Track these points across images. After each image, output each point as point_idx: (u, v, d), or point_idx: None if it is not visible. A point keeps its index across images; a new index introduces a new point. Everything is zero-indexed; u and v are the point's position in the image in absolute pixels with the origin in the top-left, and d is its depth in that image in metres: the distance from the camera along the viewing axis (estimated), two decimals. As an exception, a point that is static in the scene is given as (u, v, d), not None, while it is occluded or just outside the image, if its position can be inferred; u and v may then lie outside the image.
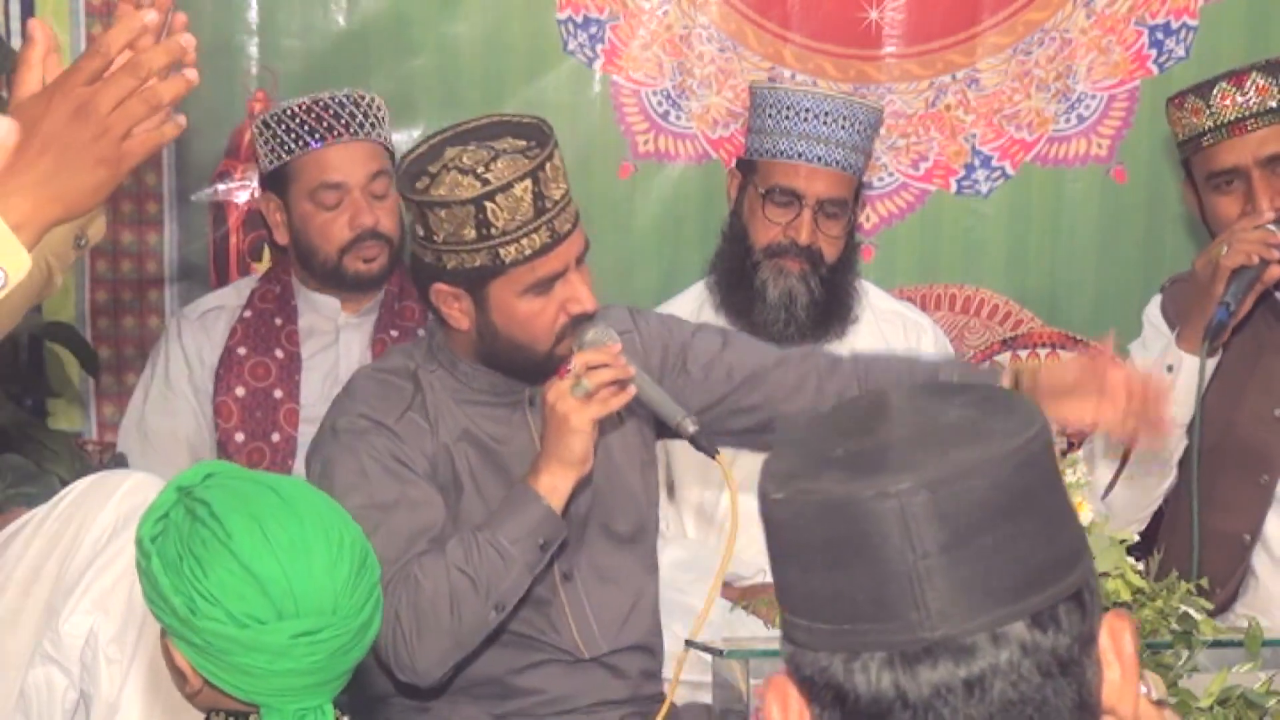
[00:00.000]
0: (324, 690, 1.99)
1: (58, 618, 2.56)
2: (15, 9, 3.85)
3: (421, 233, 2.76)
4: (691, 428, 2.76)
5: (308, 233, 3.53)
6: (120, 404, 3.89)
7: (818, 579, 1.24)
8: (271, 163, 3.53)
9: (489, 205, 2.69)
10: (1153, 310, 3.51)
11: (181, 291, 3.96)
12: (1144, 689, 1.30)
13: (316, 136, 3.49)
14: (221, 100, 3.84)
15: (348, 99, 3.52)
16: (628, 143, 4.00)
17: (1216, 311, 3.21)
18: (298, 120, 3.49)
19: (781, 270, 3.45)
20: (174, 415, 3.56)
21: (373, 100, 3.55)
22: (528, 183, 2.68)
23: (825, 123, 3.46)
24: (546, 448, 2.75)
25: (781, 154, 3.48)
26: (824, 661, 1.24)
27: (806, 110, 3.47)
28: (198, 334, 3.59)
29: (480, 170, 2.71)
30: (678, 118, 4.00)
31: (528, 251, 2.72)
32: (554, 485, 2.74)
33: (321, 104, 3.50)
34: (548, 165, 2.71)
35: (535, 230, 2.71)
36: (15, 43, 3.79)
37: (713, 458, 2.76)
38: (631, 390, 2.76)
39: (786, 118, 3.48)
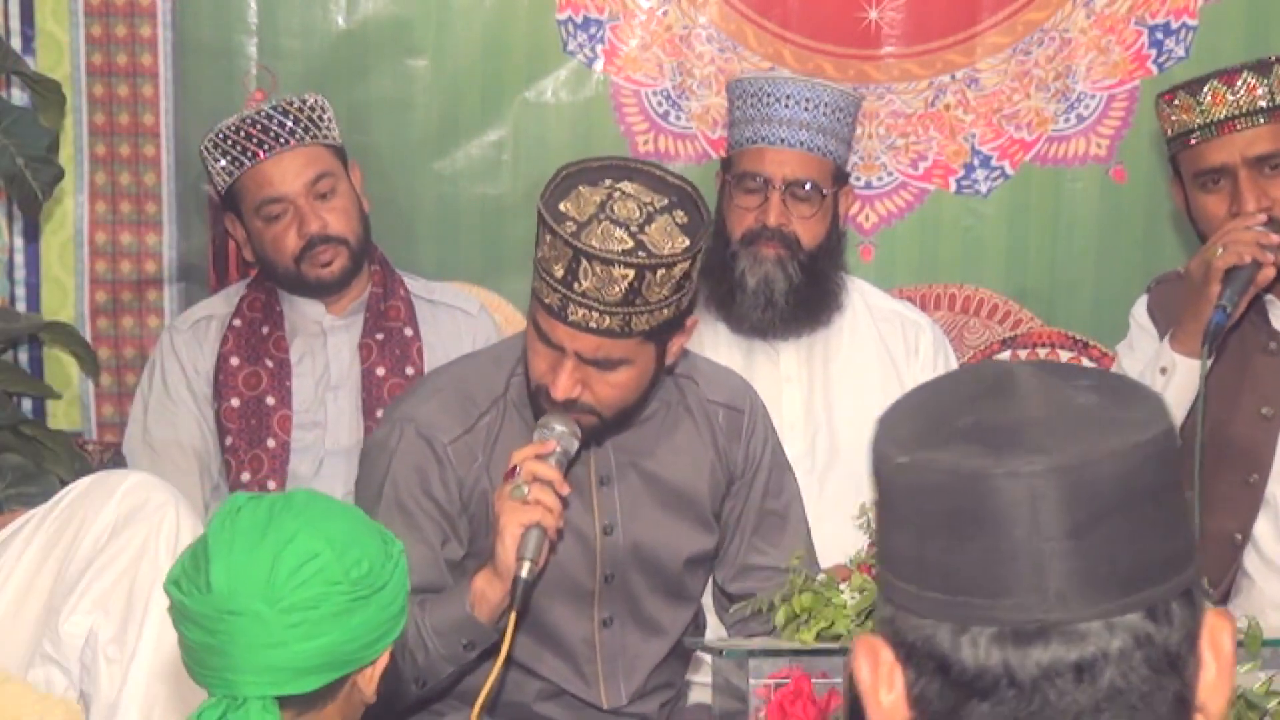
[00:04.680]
0: (235, 679, 1.93)
1: (58, 618, 2.56)
2: (15, 9, 3.84)
3: None
4: (523, 572, 2.62)
5: (263, 247, 3.55)
6: (120, 404, 3.89)
7: (933, 547, 1.23)
8: (223, 183, 3.56)
9: (543, 228, 2.62)
10: (1139, 310, 3.50)
11: (181, 292, 3.95)
12: None
13: (249, 154, 3.50)
14: (221, 100, 3.84)
15: (275, 110, 3.52)
16: (628, 143, 4.00)
17: (1214, 315, 3.19)
18: (230, 142, 3.51)
19: (758, 257, 3.41)
20: (176, 425, 3.56)
21: (311, 103, 3.56)
22: (570, 252, 2.59)
23: (786, 105, 3.42)
24: (492, 547, 2.67)
25: (748, 141, 3.46)
26: (929, 630, 1.23)
27: (767, 95, 3.44)
28: (190, 344, 3.60)
29: (604, 203, 2.63)
30: (678, 118, 4.00)
31: (539, 295, 2.66)
32: (483, 591, 2.66)
33: (250, 120, 3.52)
34: (600, 264, 2.58)
35: (551, 288, 2.63)
36: (15, 43, 3.79)
37: (511, 609, 2.62)
38: (558, 505, 2.65)
39: (751, 105, 3.46)
